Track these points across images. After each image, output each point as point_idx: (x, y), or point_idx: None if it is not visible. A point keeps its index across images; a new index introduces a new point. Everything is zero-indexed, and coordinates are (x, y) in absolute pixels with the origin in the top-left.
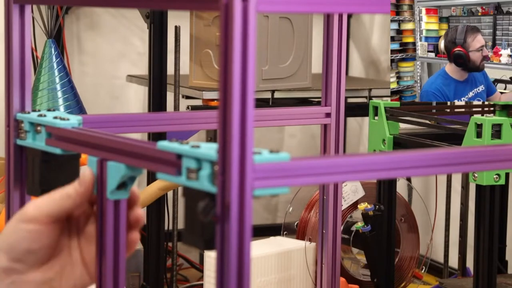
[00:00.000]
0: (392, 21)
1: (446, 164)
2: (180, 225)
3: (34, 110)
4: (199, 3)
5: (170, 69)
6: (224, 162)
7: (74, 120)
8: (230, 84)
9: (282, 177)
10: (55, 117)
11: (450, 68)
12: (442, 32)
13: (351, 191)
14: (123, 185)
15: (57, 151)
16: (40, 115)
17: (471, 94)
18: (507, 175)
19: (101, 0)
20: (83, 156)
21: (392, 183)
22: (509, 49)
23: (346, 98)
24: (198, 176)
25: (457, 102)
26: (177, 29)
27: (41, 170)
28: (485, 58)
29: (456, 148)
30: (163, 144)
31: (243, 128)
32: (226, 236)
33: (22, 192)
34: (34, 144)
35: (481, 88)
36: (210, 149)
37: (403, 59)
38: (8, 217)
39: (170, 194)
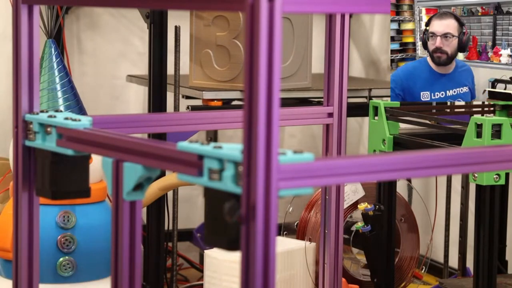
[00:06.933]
0: (392, 21)
1: (456, 165)
2: (180, 225)
3: (41, 111)
4: (223, 3)
5: (170, 69)
6: (249, 163)
7: (85, 121)
8: (256, 84)
9: (307, 178)
10: (66, 118)
11: None
12: None
13: (351, 191)
14: (139, 186)
15: (69, 152)
16: (50, 116)
17: (451, 92)
18: (507, 175)
19: (101, 0)
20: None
21: (392, 183)
22: (509, 49)
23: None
24: (221, 176)
25: (439, 100)
26: (177, 29)
27: (51, 171)
28: (437, 49)
29: (457, 149)
30: (183, 145)
31: (269, 129)
32: (252, 236)
33: (30, 194)
34: (44, 145)
35: (465, 89)
36: (233, 150)
37: (403, 59)
38: (17, 218)
39: (170, 194)
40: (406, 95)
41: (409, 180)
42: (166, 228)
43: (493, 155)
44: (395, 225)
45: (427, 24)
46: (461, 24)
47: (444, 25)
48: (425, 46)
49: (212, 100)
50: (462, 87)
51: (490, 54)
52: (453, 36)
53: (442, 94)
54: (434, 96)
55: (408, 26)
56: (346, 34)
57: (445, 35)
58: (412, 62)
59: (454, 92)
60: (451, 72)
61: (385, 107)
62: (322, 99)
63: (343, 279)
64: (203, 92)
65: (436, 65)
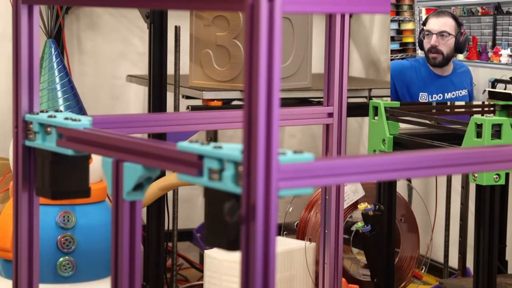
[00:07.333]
0: (392, 21)
1: (456, 165)
2: (180, 225)
3: (41, 111)
4: (223, 3)
5: (170, 69)
6: (249, 163)
7: (85, 121)
8: (256, 84)
9: (307, 178)
10: (66, 118)
11: None
12: None
13: (351, 191)
14: (139, 186)
15: (69, 152)
16: (50, 116)
17: (450, 94)
18: (507, 175)
19: (101, 0)
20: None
21: (392, 183)
22: (509, 49)
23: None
24: (221, 176)
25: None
26: (177, 29)
27: (51, 171)
28: (432, 48)
29: (457, 149)
30: (183, 145)
31: (269, 129)
32: (252, 236)
33: (30, 193)
34: (44, 145)
35: (463, 92)
36: (233, 150)
37: (403, 59)
38: (17, 218)
39: (170, 194)
40: (403, 88)
41: (409, 180)
42: (166, 228)
43: (493, 155)
44: (395, 225)
45: (424, 23)
46: (459, 24)
47: (441, 23)
48: (421, 45)
49: (212, 100)
50: (461, 90)
51: (490, 54)
52: (449, 34)
53: (440, 97)
54: (432, 98)
55: (408, 26)
56: (346, 34)
57: (441, 33)
58: (412, 59)
59: (453, 95)
60: (449, 74)
61: (385, 107)
62: (322, 99)
63: (343, 279)
64: (203, 92)
65: (432, 67)
